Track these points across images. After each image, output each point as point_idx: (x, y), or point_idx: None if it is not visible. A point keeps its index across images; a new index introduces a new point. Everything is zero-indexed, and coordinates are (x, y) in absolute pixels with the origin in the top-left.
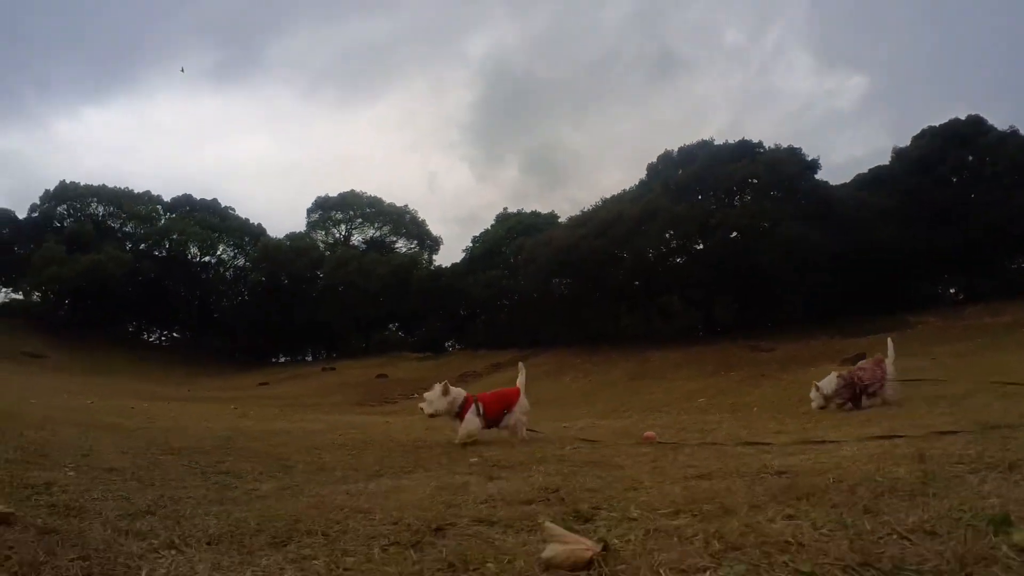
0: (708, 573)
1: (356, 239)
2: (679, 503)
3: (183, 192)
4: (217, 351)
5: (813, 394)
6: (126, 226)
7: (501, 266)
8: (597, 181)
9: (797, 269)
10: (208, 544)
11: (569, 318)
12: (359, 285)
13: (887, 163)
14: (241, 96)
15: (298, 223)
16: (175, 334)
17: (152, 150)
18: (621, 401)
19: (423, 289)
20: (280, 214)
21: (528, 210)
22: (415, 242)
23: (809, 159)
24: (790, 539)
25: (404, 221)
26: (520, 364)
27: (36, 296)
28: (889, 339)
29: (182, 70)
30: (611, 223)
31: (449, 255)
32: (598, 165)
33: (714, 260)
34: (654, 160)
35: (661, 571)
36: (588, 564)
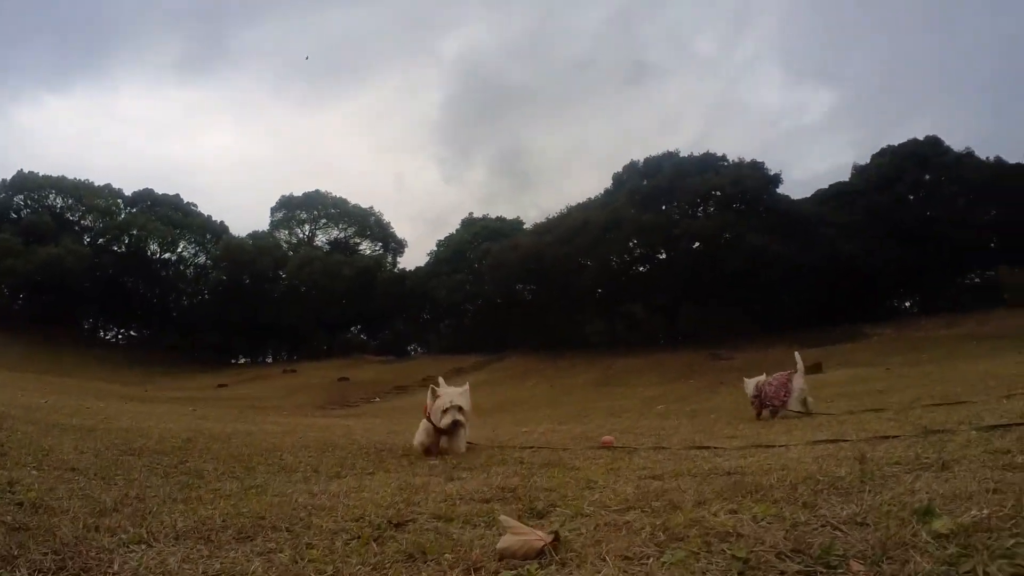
0: (651, 560)
1: (320, 239)
2: (630, 500)
3: (145, 186)
4: (176, 351)
5: (748, 385)
6: (85, 219)
7: (466, 270)
8: (565, 187)
9: (758, 280)
10: (176, 539)
11: (534, 324)
12: (322, 286)
13: (848, 179)
14: (207, 89)
15: (261, 221)
16: (133, 332)
17: (115, 141)
18: (583, 406)
19: (387, 292)
20: (243, 212)
21: (495, 213)
22: (380, 244)
23: (772, 173)
24: (730, 530)
25: (369, 223)
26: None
27: None
28: (796, 353)
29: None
30: (577, 231)
31: (414, 257)
32: (567, 171)
33: (678, 269)
34: (620, 170)
35: (607, 558)
36: (540, 553)
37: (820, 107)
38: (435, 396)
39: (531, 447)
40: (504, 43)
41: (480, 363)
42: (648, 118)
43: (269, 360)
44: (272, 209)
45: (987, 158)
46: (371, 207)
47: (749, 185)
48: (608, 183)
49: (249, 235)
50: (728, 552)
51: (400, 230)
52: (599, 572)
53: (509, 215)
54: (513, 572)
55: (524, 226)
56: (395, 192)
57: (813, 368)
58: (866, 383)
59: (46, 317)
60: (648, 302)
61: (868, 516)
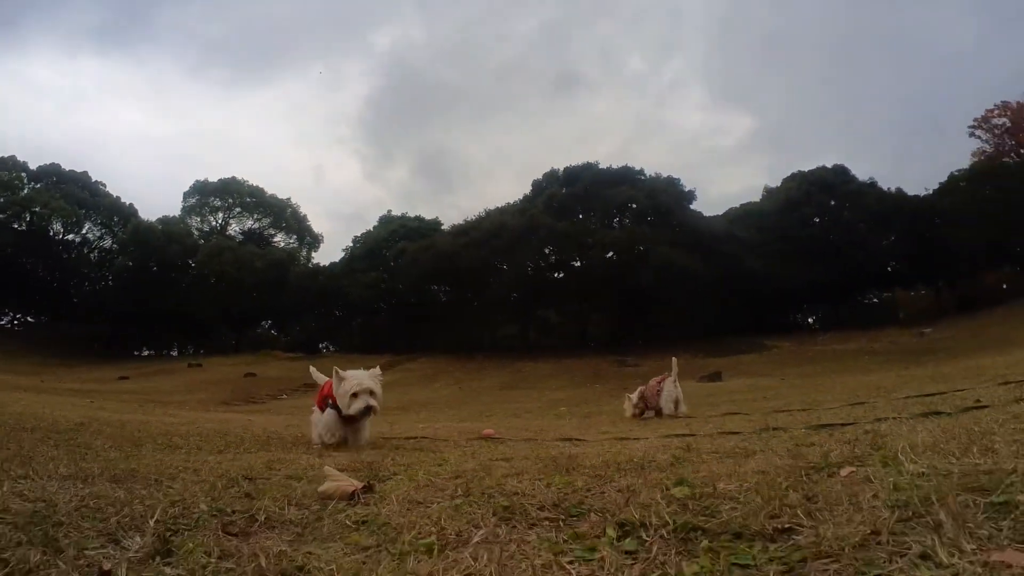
0: (435, 504)
1: (233, 229)
2: (464, 471)
3: (51, 160)
4: (75, 339)
5: (627, 404)
6: None
7: (381, 268)
8: (486, 191)
9: (668, 291)
10: (56, 479)
11: (447, 325)
12: (233, 278)
13: (758, 200)
14: (124, 62)
15: (173, 206)
16: (30, 318)
17: (21, 110)
18: (488, 408)
19: (300, 286)
20: (154, 194)
21: (415, 212)
22: (295, 237)
23: (686, 190)
24: (517, 491)
25: (285, 215)
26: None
27: None
28: (674, 359)
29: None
30: (494, 234)
31: (329, 252)
32: (488, 175)
33: (591, 278)
34: (539, 177)
35: (397, 499)
36: (352, 496)
37: (739, 131)
38: (340, 379)
39: (414, 437)
40: (435, 41)
41: (391, 363)
42: (572, 128)
43: (174, 353)
44: (185, 194)
45: (889, 189)
46: (288, 199)
47: (664, 200)
48: (528, 189)
49: (159, 220)
50: (497, 503)
51: (317, 224)
52: (385, 508)
53: (429, 215)
54: (320, 505)
55: (442, 227)
56: (313, 185)
57: (713, 376)
58: (759, 391)
59: None
60: (561, 308)
61: (637, 487)
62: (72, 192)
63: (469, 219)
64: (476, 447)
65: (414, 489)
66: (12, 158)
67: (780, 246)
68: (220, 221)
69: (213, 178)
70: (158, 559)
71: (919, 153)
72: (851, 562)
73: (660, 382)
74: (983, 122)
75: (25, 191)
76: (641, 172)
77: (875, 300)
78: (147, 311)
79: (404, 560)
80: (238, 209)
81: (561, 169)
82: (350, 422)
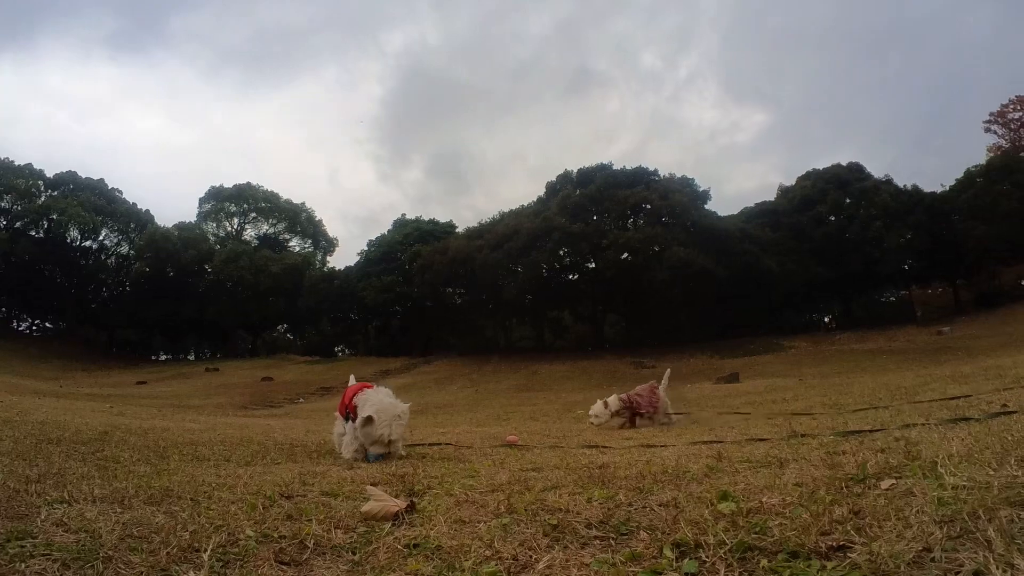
0: (481, 524)
1: (249, 234)
2: (499, 485)
3: (68, 168)
4: (93, 345)
5: (599, 411)
6: (2, 201)
7: (396, 272)
8: (501, 191)
9: (683, 292)
10: (93, 501)
11: (462, 328)
12: (249, 282)
13: (773, 199)
14: (138, 69)
15: (189, 212)
16: (48, 324)
17: (38, 118)
18: (505, 410)
19: (315, 290)
20: (170, 200)
21: (430, 214)
22: (310, 241)
23: (701, 190)
24: (560, 506)
25: (300, 219)
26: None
27: None
28: (668, 370)
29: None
30: (508, 237)
31: (344, 256)
32: (503, 175)
33: (606, 279)
34: (553, 179)
35: (446, 521)
36: (395, 516)
37: (754, 127)
38: (366, 420)
39: (438, 444)
40: (449, 41)
41: (406, 366)
42: (586, 127)
43: (191, 357)
44: (200, 200)
45: (904, 185)
46: (303, 203)
47: (678, 200)
48: (543, 189)
49: (175, 226)
50: (545, 521)
51: (331, 228)
52: (433, 529)
53: (444, 217)
54: (367, 527)
55: (456, 230)
56: (328, 188)
57: (730, 377)
58: (778, 392)
59: None
60: (575, 310)
61: (681, 499)
62: (89, 199)
63: (483, 221)
64: (503, 455)
65: (455, 505)
66: (29, 166)
67: (795, 245)
68: (236, 226)
69: (228, 184)
70: None
71: (938, 147)
72: None
73: (654, 390)
74: (999, 116)
75: (42, 199)
76: (655, 173)
77: (892, 298)
78: (164, 316)
79: None
80: (253, 214)
81: (575, 170)
82: None
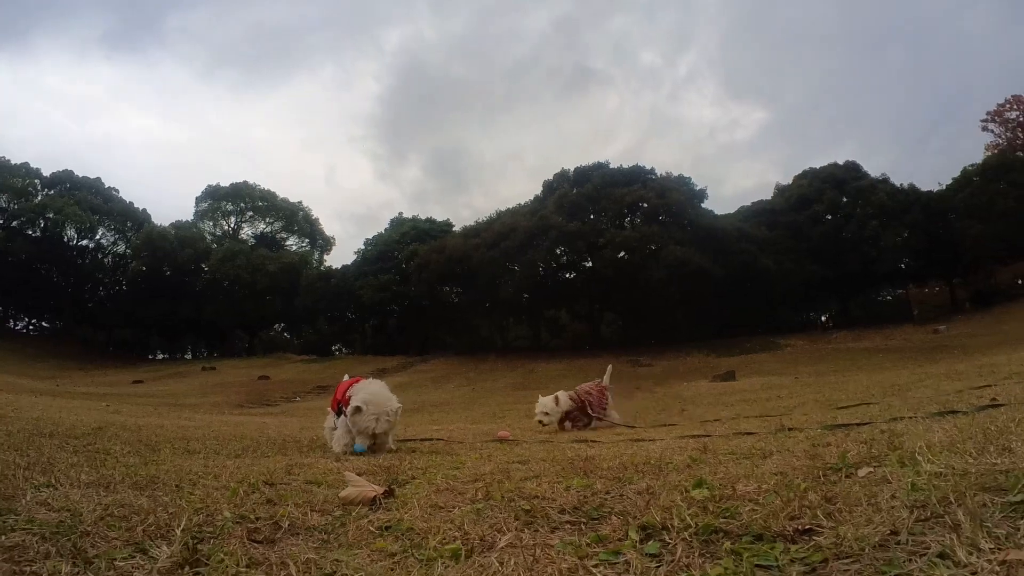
0: (457, 509)
1: (246, 233)
2: (482, 475)
3: (64, 167)
4: (89, 344)
5: (549, 407)
6: None
7: (393, 271)
8: (499, 190)
9: (680, 291)
10: (79, 486)
11: (458, 326)
12: (246, 281)
13: (769, 198)
14: (135, 68)
15: (185, 211)
16: (45, 323)
17: (33, 116)
18: (500, 408)
19: (312, 289)
20: (167, 199)
21: (428, 212)
22: (307, 240)
23: (698, 188)
24: (537, 494)
25: (297, 218)
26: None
27: None
28: (609, 366)
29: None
30: (505, 235)
31: (342, 255)
32: (501, 173)
33: (602, 278)
34: (550, 177)
35: (420, 506)
36: (373, 501)
37: (752, 125)
38: (355, 409)
39: (429, 440)
40: (446, 38)
41: (403, 364)
42: (585, 125)
43: (188, 356)
44: (197, 199)
45: (901, 184)
46: (300, 202)
47: (675, 199)
48: (540, 188)
49: (172, 224)
50: (519, 505)
51: (329, 226)
52: (407, 513)
53: (443, 215)
54: (343, 511)
55: (453, 228)
56: (325, 186)
57: (726, 375)
58: (773, 390)
59: None
60: (572, 309)
61: (658, 488)
62: (85, 198)
63: (480, 220)
64: (492, 449)
65: (434, 493)
66: (25, 165)
67: (792, 244)
68: (232, 225)
69: (225, 182)
70: (187, 568)
71: (936, 146)
72: (871, 562)
73: (602, 389)
74: (996, 116)
75: (39, 198)
76: (652, 171)
77: (889, 297)
78: (161, 315)
79: (432, 566)
80: (250, 213)
81: (572, 169)
82: None
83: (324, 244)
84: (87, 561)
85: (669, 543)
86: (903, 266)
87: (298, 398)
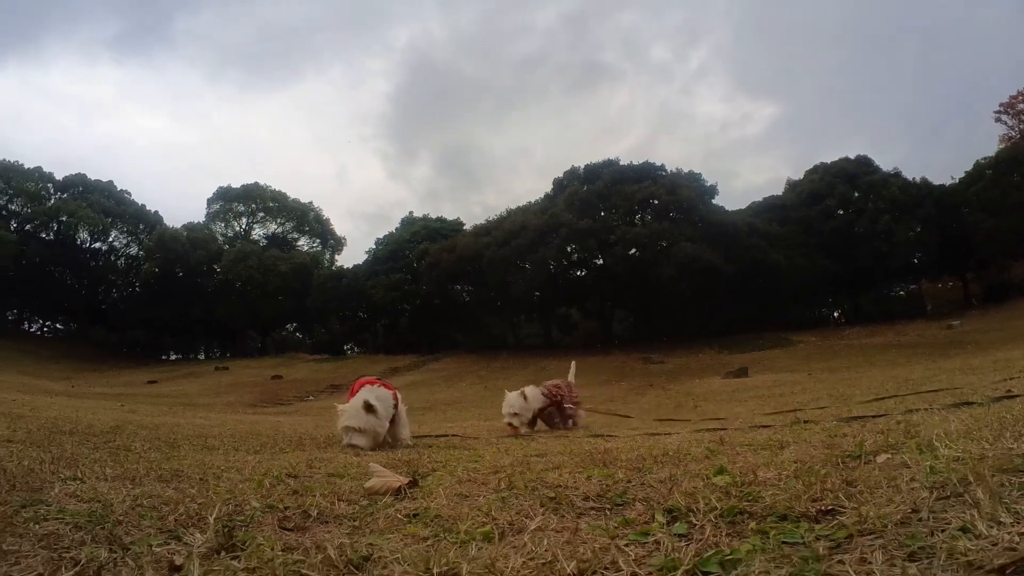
0: (481, 497)
1: (257, 233)
2: (502, 467)
3: (76, 171)
4: (104, 345)
5: (518, 405)
6: (12, 204)
7: (404, 270)
8: (510, 187)
9: (691, 287)
10: (105, 479)
11: (470, 325)
12: (258, 282)
13: (780, 193)
14: (143, 71)
15: (197, 212)
16: (59, 325)
17: (44, 121)
18: None
19: (324, 289)
20: (178, 201)
21: (439, 211)
22: (318, 240)
23: (708, 184)
24: (559, 483)
25: (308, 218)
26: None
27: None
28: (573, 363)
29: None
30: (515, 233)
31: (353, 254)
32: (513, 170)
33: (613, 275)
34: (560, 175)
35: (446, 495)
36: (398, 491)
37: (764, 120)
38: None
39: (445, 436)
40: (455, 36)
41: (415, 363)
42: (595, 121)
43: (201, 357)
44: (209, 200)
45: (913, 178)
46: (310, 202)
47: (686, 195)
48: (551, 186)
49: (184, 226)
50: (543, 493)
51: (340, 226)
52: (434, 501)
53: (454, 213)
54: (369, 500)
55: (464, 227)
56: (336, 186)
57: (739, 372)
58: (787, 386)
59: None
60: (583, 306)
61: (679, 476)
62: (98, 201)
63: (491, 218)
64: (509, 443)
65: (457, 483)
66: (38, 169)
67: (804, 239)
68: (244, 226)
69: (235, 183)
70: (223, 553)
71: (948, 139)
72: (895, 537)
73: (570, 387)
74: (1008, 108)
75: (52, 201)
76: (662, 168)
77: (901, 293)
78: (174, 316)
79: (466, 548)
80: (261, 214)
81: (582, 166)
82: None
83: (335, 244)
84: (124, 547)
85: (696, 524)
86: (916, 261)
87: (311, 397)
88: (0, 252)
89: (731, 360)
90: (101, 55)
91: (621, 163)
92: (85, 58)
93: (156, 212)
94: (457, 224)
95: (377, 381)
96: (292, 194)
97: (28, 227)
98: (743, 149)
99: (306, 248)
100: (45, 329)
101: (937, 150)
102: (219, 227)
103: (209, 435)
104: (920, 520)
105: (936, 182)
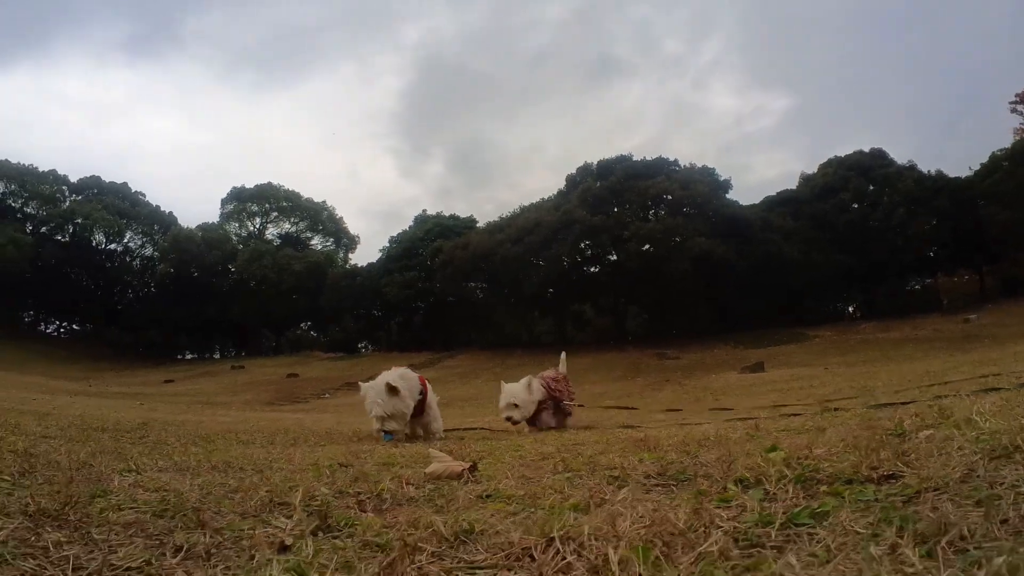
0: (544, 479)
1: (271, 233)
2: (547, 454)
3: (91, 173)
4: (120, 345)
5: (521, 397)
6: (28, 206)
7: (418, 268)
8: (523, 183)
9: (705, 282)
10: (160, 471)
11: (484, 322)
12: (272, 281)
13: (794, 187)
14: (154, 73)
15: (211, 213)
16: (76, 326)
17: (58, 124)
18: None
19: (338, 288)
20: (192, 202)
21: (452, 208)
22: (332, 239)
23: (722, 179)
24: (615, 465)
25: (321, 217)
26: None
27: None
28: (563, 353)
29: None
30: (529, 230)
31: (366, 253)
32: (525, 167)
33: (627, 271)
34: (573, 171)
35: (511, 477)
36: (460, 476)
37: (777, 113)
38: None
39: (474, 428)
40: (465, 31)
41: (430, 360)
42: (608, 115)
43: (216, 356)
44: (223, 201)
45: (928, 171)
46: (324, 201)
47: (699, 190)
48: (563, 182)
49: (199, 227)
50: (607, 473)
51: (353, 224)
52: (501, 484)
53: (466, 210)
54: (435, 485)
55: (477, 224)
56: (349, 184)
57: (755, 367)
58: (804, 380)
59: None
60: (597, 303)
61: (732, 455)
62: (113, 203)
63: (504, 215)
64: (541, 434)
65: (512, 468)
66: (53, 172)
67: (818, 233)
68: (258, 226)
69: (249, 183)
70: (321, 534)
71: (964, 131)
72: (958, 491)
73: (566, 379)
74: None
75: (67, 204)
76: (675, 163)
77: (917, 287)
78: (189, 316)
79: (563, 518)
80: (275, 214)
81: (595, 162)
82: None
83: (349, 243)
84: (215, 531)
85: (770, 491)
86: (931, 255)
87: (327, 395)
88: (16, 254)
89: (746, 355)
90: (112, 58)
91: (634, 158)
92: (97, 61)
93: (170, 213)
94: (470, 221)
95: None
96: (305, 193)
97: (44, 229)
98: (756, 143)
99: (320, 247)
100: (62, 330)
101: (952, 142)
102: (233, 227)
103: (238, 431)
104: (978, 477)
105: (951, 174)
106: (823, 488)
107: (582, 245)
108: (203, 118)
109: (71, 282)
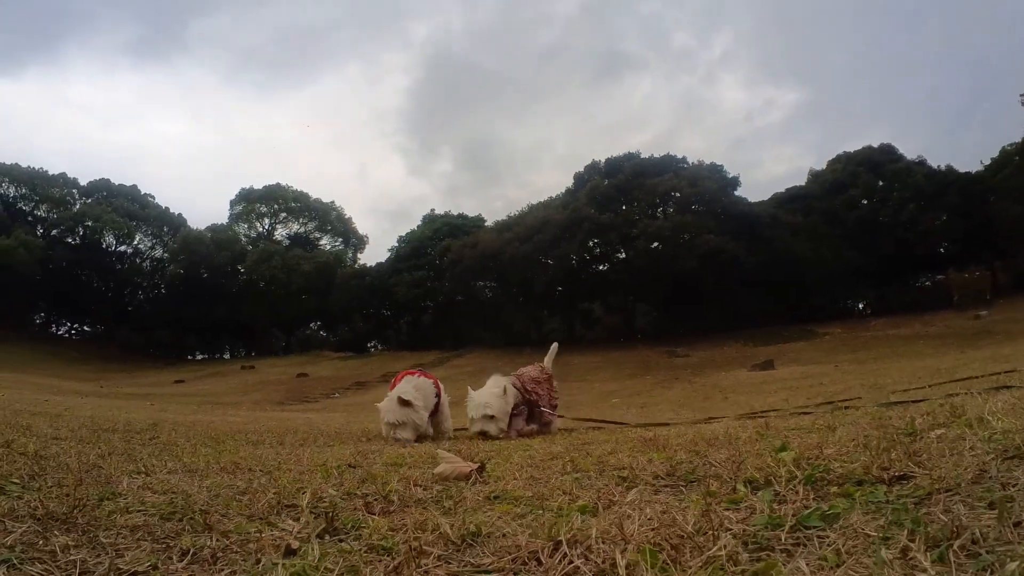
0: (552, 480)
1: (280, 234)
2: (556, 453)
3: (100, 176)
4: (130, 346)
5: (496, 406)
6: (38, 210)
7: (426, 267)
8: (532, 181)
9: (714, 280)
10: (169, 473)
11: (493, 321)
12: (282, 281)
13: (803, 184)
14: (161, 75)
15: (220, 214)
16: (86, 328)
17: (67, 128)
18: None
19: (347, 288)
20: (201, 203)
21: (461, 207)
22: (340, 239)
23: (730, 176)
24: (624, 464)
25: (330, 218)
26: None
27: None
28: (554, 344)
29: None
30: (537, 229)
31: (375, 252)
32: (534, 164)
33: (636, 269)
34: (582, 169)
35: (519, 478)
36: (468, 476)
37: (786, 107)
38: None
39: None
40: (473, 28)
41: (440, 359)
42: (617, 112)
43: (226, 356)
44: (231, 202)
45: (939, 166)
46: (332, 201)
47: (707, 187)
48: (572, 180)
49: (208, 228)
50: (615, 473)
51: (362, 223)
52: (509, 484)
53: (475, 208)
54: (443, 486)
55: (486, 223)
56: (357, 184)
57: (765, 364)
58: (815, 378)
59: None
60: (606, 301)
61: (742, 455)
62: (122, 205)
63: (512, 214)
64: (550, 434)
65: (520, 468)
66: (63, 175)
67: (827, 230)
68: (267, 227)
69: (258, 183)
70: (328, 536)
71: (975, 125)
72: (970, 492)
73: (549, 377)
74: None
75: (77, 206)
76: (684, 160)
77: (927, 283)
78: (199, 316)
79: (571, 519)
80: (284, 214)
81: (603, 160)
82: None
83: (357, 243)
84: (222, 534)
85: (780, 492)
86: (942, 250)
87: (337, 394)
88: (27, 257)
89: (756, 352)
90: (119, 61)
91: (642, 156)
92: (103, 65)
93: (180, 215)
94: (479, 220)
95: (419, 372)
96: (314, 193)
97: (54, 232)
98: (766, 138)
99: (329, 247)
100: (73, 331)
101: (962, 137)
102: (242, 228)
103: (248, 431)
104: (990, 478)
105: (962, 169)
106: (833, 489)
107: (591, 243)
108: (211, 119)
109: (82, 284)
